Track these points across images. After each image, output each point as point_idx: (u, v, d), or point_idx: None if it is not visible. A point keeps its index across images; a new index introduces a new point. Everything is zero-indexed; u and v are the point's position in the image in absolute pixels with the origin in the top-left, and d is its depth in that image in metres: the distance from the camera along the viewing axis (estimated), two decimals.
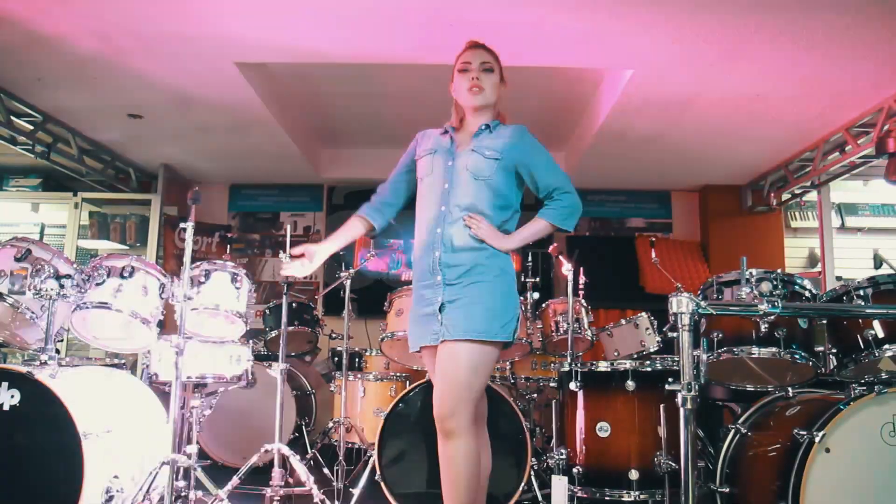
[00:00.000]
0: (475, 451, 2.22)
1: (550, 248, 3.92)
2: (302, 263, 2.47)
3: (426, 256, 2.38)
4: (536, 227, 2.40)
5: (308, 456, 3.98)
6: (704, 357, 2.64)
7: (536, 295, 3.92)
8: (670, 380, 2.01)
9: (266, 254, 6.47)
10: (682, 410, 1.98)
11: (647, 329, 3.98)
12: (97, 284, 2.96)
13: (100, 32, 3.61)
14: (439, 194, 2.40)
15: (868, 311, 2.53)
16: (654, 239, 4.31)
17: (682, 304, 2.02)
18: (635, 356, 3.91)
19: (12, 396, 2.52)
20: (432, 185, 2.43)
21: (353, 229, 2.58)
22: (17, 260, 2.90)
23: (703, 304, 2.05)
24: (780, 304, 2.14)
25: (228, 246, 5.98)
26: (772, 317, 2.18)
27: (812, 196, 5.95)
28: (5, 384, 2.52)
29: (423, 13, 3.42)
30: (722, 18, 3.38)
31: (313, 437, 4.65)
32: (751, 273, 2.64)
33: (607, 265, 5.62)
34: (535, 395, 4.19)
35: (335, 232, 2.56)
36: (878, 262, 5.60)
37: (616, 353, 4.01)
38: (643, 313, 4.01)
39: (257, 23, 3.55)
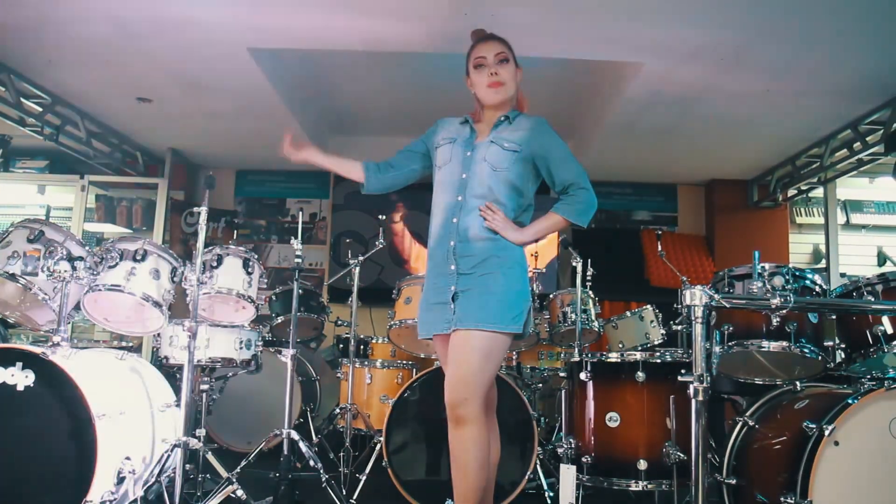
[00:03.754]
0: (485, 438, 2.24)
1: (559, 240, 3.95)
2: (295, 147, 2.53)
3: (441, 246, 2.39)
4: (551, 222, 2.40)
5: (314, 441, 4.01)
6: (717, 349, 2.66)
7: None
8: (683, 371, 2.02)
9: (272, 240, 6.47)
10: (693, 402, 1.99)
11: (652, 322, 4.00)
12: (110, 267, 2.96)
13: (111, 15, 3.60)
14: (456, 184, 2.40)
15: (879, 307, 2.54)
16: (660, 232, 4.31)
17: (695, 297, 2.03)
18: (639, 348, 3.94)
19: (27, 377, 2.53)
20: (449, 174, 2.43)
21: (348, 165, 2.61)
22: (30, 241, 2.90)
23: (716, 296, 2.06)
24: (792, 299, 2.16)
25: (235, 231, 5.98)
26: (783, 311, 2.20)
27: (818, 192, 5.95)
28: (20, 364, 2.53)
29: (436, 2, 3.41)
30: (732, 13, 3.38)
31: (318, 423, 4.68)
32: (763, 267, 2.65)
33: (613, 257, 5.61)
34: (541, 385, 4.22)
35: (336, 156, 2.60)
36: (882, 259, 5.61)
37: (621, 345, 4.04)
38: (648, 306, 4.04)
39: (271, 8, 3.54)
